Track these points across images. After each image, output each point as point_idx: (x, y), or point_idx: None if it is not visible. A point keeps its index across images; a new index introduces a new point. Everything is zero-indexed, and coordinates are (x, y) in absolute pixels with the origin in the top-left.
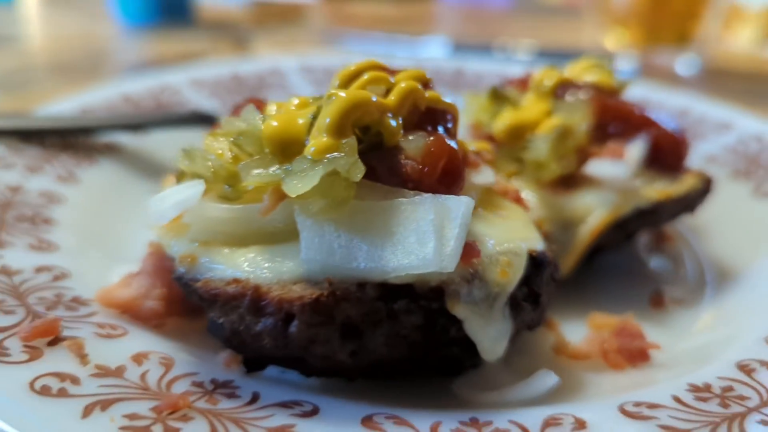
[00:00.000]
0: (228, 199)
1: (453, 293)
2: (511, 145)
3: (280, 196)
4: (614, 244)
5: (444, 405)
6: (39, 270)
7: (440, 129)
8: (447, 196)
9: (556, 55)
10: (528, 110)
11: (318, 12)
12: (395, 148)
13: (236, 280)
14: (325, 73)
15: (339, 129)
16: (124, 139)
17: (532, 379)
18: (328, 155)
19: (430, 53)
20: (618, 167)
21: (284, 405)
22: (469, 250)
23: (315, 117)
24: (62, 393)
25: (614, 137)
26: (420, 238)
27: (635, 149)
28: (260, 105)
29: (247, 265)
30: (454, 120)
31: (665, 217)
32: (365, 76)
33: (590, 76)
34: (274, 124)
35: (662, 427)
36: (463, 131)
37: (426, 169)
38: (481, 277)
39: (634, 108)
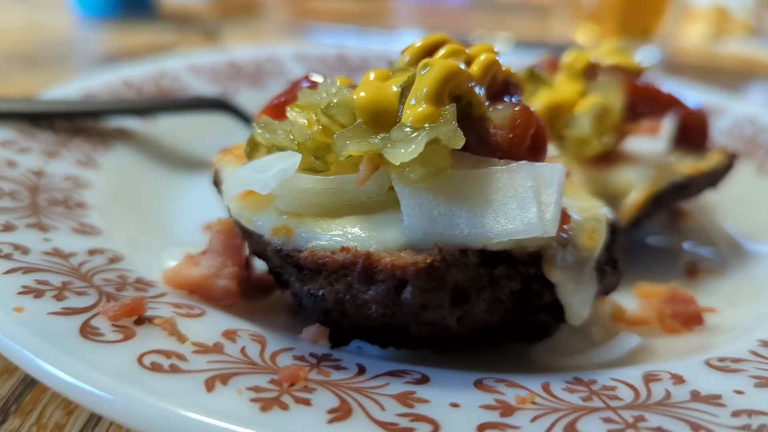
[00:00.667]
0: (315, 171)
1: (550, 258)
2: (550, 124)
3: (375, 165)
4: (649, 217)
5: (528, 370)
6: (92, 252)
7: (514, 100)
8: (541, 163)
9: (533, 47)
10: (562, 90)
11: (278, 6)
12: (482, 118)
13: (345, 249)
14: (319, 60)
15: (438, 97)
16: (132, 123)
17: (615, 341)
18: (428, 123)
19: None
20: (655, 143)
21: (393, 374)
22: (563, 216)
23: (404, 87)
24: (175, 369)
25: (643, 116)
26: (521, 204)
27: (666, 127)
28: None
29: (350, 235)
30: (521, 92)
31: (694, 191)
32: (443, 50)
33: (614, 59)
34: (364, 94)
35: (755, 377)
36: None
37: (515, 138)
38: (572, 243)
39: (660, 88)
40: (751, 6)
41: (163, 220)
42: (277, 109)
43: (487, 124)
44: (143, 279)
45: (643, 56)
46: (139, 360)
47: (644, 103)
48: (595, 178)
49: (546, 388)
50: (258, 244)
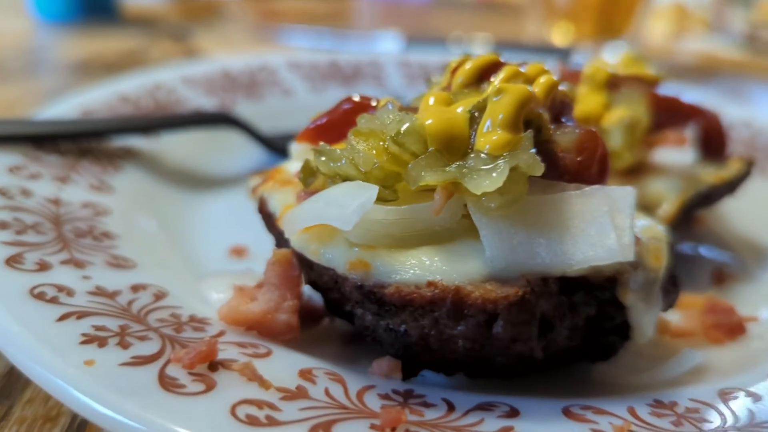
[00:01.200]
0: (383, 200)
1: (624, 282)
2: None
3: (450, 194)
4: (676, 228)
5: (598, 392)
6: (135, 289)
7: (569, 121)
8: (612, 186)
9: (510, 49)
10: (587, 103)
11: (242, 7)
12: (549, 141)
13: (431, 284)
14: (312, 68)
15: (514, 123)
16: (136, 142)
17: (677, 359)
18: (506, 151)
19: (383, 48)
20: (683, 154)
21: (482, 408)
22: (636, 239)
23: (474, 113)
24: (273, 421)
25: (666, 126)
26: (599, 230)
27: (691, 136)
28: (366, 102)
29: (432, 267)
30: (572, 112)
31: (716, 199)
32: (502, 72)
33: (631, 70)
34: (433, 121)
35: None
36: None
37: (583, 161)
38: (642, 264)
39: (680, 98)
40: (709, 3)
41: (189, 246)
42: (319, 132)
43: (555, 147)
44: (196, 316)
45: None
46: (233, 413)
47: (667, 113)
48: None
49: (633, 412)
50: (323, 277)
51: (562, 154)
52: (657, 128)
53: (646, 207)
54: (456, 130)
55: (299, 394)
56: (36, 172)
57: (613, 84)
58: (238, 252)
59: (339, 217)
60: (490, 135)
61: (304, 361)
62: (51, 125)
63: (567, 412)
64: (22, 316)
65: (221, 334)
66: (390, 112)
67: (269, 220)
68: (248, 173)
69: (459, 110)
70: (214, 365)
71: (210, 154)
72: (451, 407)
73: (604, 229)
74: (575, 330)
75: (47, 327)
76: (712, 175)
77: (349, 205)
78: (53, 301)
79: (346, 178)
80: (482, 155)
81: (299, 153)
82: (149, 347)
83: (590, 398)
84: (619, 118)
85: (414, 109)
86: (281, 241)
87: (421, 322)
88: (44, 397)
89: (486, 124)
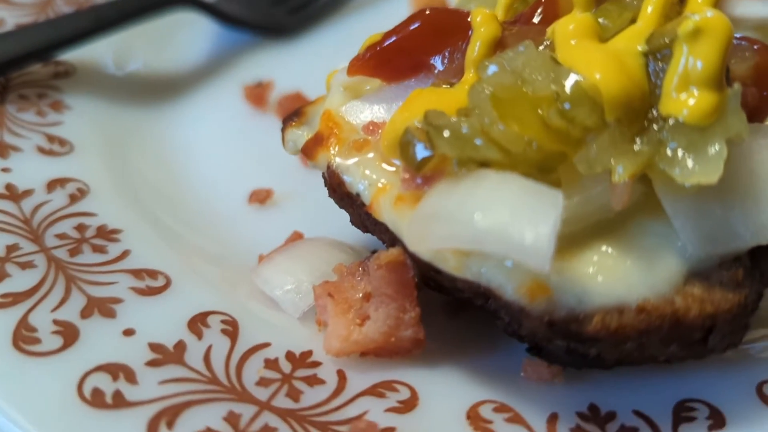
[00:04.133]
0: None
1: None
2: None
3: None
4: None
5: None
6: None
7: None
8: None
9: None
10: None
11: None
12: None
13: (642, 309)
14: None
15: (719, 77)
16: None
17: None
18: (714, 119)
19: None
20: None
21: (376, 394)
22: None
23: (652, 55)
24: (119, 402)
25: None
26: None
27: None
28: (451, 18)
29: (626, 279)
30: None
31: None
32: None
33: None
34: (610, 79)
35: None
36: None
37: (766, 92)
38: None
39: None
40: None
41: (201, 200)
42: (379, 63)
43: (733, 81)
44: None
45: None
46: (79, 388)
47: None
48: None
49: None
50: (465, 291)
51: (742, 89)
52: None
53: None
54: (636, 88)
55: (172, 356)
56: None
57: None
58: (261, 198)
59: (523, 251)
60: (685, 95)
61: (206, 299)
62: None
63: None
64: None
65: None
66: (528, 57)
67: (348, 204)
68: (219, 59)
69: (620, 46)
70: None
71: (162, 47)
72: (339, 388)
73: None
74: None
75: None
76: None
77: (533, 232)
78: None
79: (484, 164)
80: (680, 125)
81: (349, 86)
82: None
83: None
84: None
85: (547, 46)
86: (378, 231)
87: (622, 347)
88: None
89: (675, 77)
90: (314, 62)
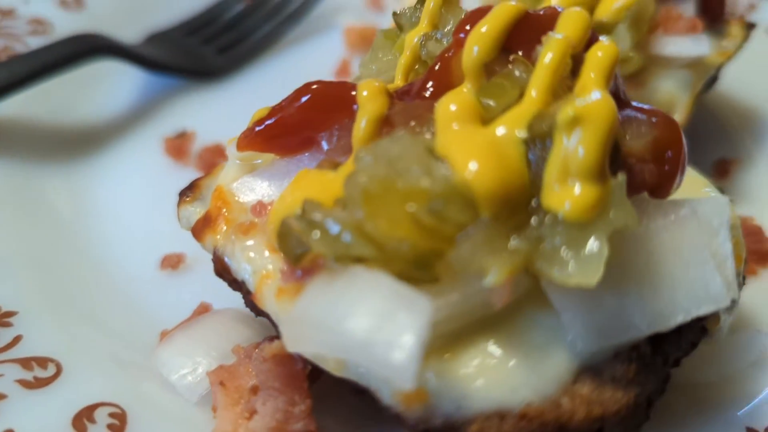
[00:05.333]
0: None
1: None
2: None
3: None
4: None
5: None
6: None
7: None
8: (699, 200)
9: None
10: None
11: None
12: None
13: (523, 416)
14: None
15: (601, 168)
16: None
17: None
18: (596, 213)
19: None
20: (698, 44)
21: None
22: None
23: (531, 142)
24: None
25: None
26: (701, 275)
27: (688, 11)
28: (337, 91)
29: (512, 382)
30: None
31: (717, 79)
32: (550, 54)
33: None
34: (484, 173)
35: None
36: None
37: (668, 171)
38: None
39: None
40: None
41: (111, 269)
42: (267, 138)
43: (629, 159)
44: None
45: None
46: None
47: None
48: (634, 98)
49: None
50: (356, 387)
51: (639, 166)
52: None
53: None
54: (515, 179)
55: None
56: None
57: None
58: (173, 263)
59: (386, 367)
60: (565, 188)
61: (98, 388)
62: None
63: None
64: None
65: None
66: (403, 148)
67: (238, 288)
68: (143, 107)
69: (501, 132)
70: None
71: (82, 98)
72: None
73: (707, 272)
74: (666, 380)
75: None
76: (716, 51)
77: (397, 348)
78: None
79: (358, 260)
80: (560, 223)
81: (244, 158)
82: None
83: None
84: (620, 9)
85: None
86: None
87: None
88: None
89: (555, 168)
90: (240, 108)
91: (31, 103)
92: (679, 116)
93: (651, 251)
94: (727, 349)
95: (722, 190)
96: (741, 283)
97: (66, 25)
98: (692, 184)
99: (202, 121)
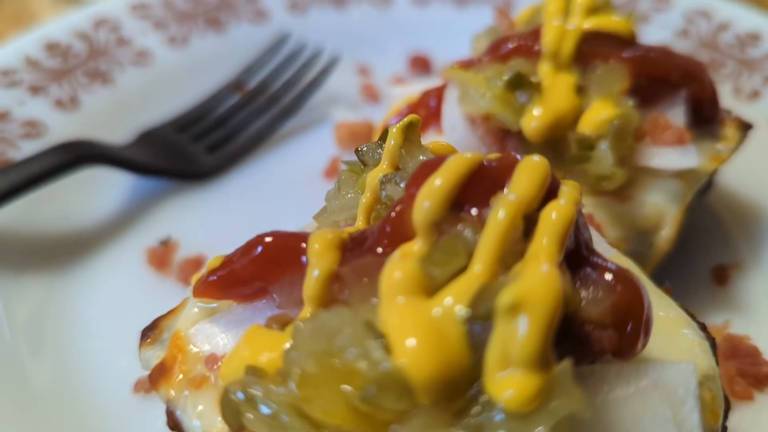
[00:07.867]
0: None
1: None
2: (547, 146)
3: None
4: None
5: None
6: None
7: (580, 244)
8: (663, 365)
9: None
10: (555, 94)
11: None
12: (574, 315)
13: None
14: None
15: (544, 356)
16: None
17: None
18: (537, 403)
19: None
20: (687, 156)
21: None
22: None
23: (474, 323)
24: None
25: (652, 102)
26: None
27: (678, 117)
28: (288, 243)
29: None
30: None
31: (712, 186)
32: (498, 219)
33: (594, 22)
34: (423, 362)
35: None
36: (460, 122)
37: (630, 337)
38: None
39: (672, 60)
40: None
41: (81, 394)
42: (220, 286)
43: (586, 325)
44: None
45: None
46: None
47: (652, 85)
48: (620, 212)
49: None
50: None
51: (597, 333)
52: (644, 106)
53: (646, 229)
54: (455, 361)
55: None
56: None
57: (581, 56)
58: (146, 386)
59: None
60: (512, 378)
61: None
62: None
63: None
64: None
65: None
66: (342, 323)
67: None
68: (128, 213)
69: (442, 308)
70: None
71: (65, 206)
72: None
73: None
74: None
75: None
76: (708, 157)
77: None
78: None
79: None
80: (499, 413)
81: (202, 301)
82: None
83: None
84: (603, 122)
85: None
86: None
87: None
88: None
89: (496, 354)
90: (226, 213)
91: (14, 213)
92: (669, 231)
93: (609, 427)
94: None
95: (704, 327)
96: None
97: (61, 126)
98: (670, 325)
99: (187, 226)
